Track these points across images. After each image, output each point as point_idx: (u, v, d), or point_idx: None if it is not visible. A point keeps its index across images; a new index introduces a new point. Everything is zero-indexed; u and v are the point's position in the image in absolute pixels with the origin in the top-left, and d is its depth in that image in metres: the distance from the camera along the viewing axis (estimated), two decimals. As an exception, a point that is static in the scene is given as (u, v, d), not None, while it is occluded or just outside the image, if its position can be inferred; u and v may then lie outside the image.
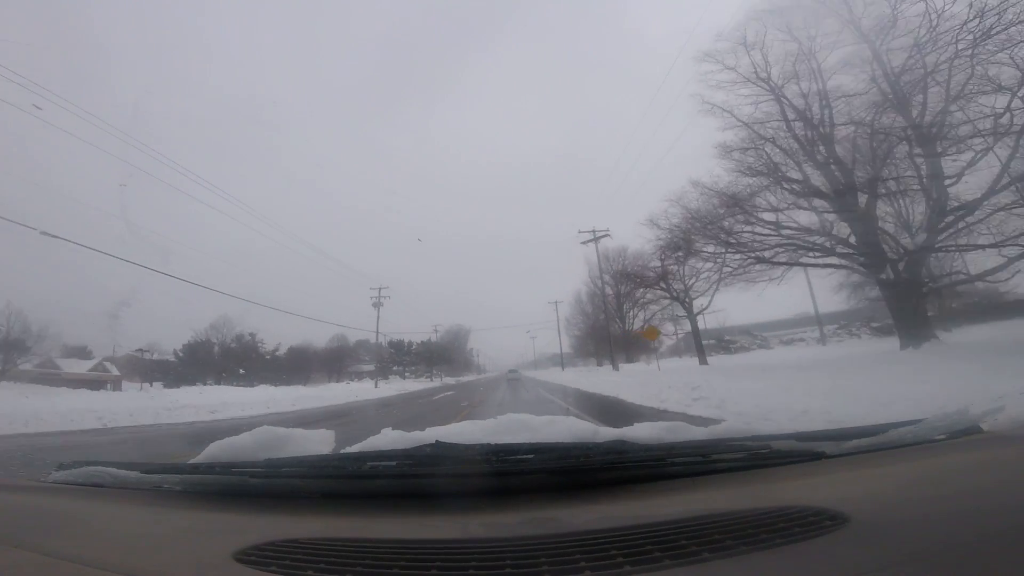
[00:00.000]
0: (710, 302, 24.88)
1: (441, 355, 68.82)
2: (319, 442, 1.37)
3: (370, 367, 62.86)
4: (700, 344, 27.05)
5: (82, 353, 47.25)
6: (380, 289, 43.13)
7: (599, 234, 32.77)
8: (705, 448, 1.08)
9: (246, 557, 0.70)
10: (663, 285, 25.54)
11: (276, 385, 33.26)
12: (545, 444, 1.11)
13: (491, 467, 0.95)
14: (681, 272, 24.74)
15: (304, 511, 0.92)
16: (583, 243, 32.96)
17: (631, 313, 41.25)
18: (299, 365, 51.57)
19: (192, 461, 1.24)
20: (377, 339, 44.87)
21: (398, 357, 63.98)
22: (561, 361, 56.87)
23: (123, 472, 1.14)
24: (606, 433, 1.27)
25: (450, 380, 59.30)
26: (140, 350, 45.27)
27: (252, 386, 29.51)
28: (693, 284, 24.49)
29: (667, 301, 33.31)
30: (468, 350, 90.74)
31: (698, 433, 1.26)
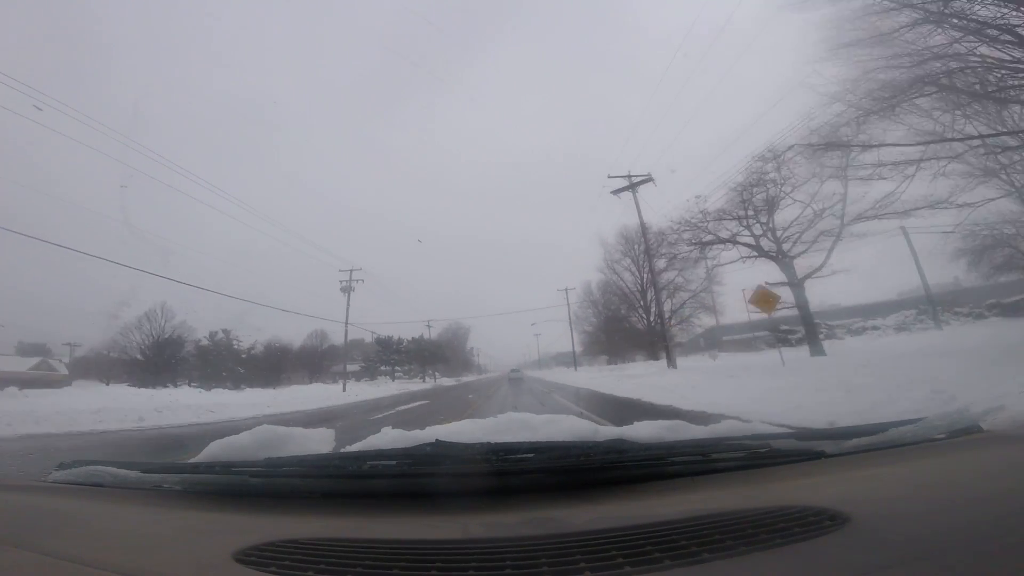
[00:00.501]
0: (828, 257, 16.11)
1: (435, 353, 61.98)
2: (319, 441, 1.37)
3: (354, 366, 56.76)
4: (812, 325, 17.94)
5: (40, 351, 43.83)
6: (352, 271, 35.12)
7: (637, 179, 22.16)
8: (705, 447, 1.08)
9: (246, 557, 0.70)
10: (746, 235, 17.57)
11: (243, 388, 30.47)
12: (545, 443, 1.11)
13: (491, 466, 0.95)
14: (766, 220, 16.89)
15: (304, 511, 0.92)
16: (615, 192, 22.98)
17: (654, 303, 33.09)
18: (275, 364, 46.62)
19: (192, 460, 1.24)
20: (346, 332, 36.42)
21: (386, 355, 56.79)
22: (574, 359, 49.60)
23: (123, 472, 1.14)
24: (606, 432, 1.27)
25: (447, 381, 54.00)
26: (70, 344, 40.85)
27: (216, 388, 27.54)
28: (794, 243, 16.46)
29: (697, 286, 27.10)
30: (468, 349, 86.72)
31: (698, 432, 1.26)
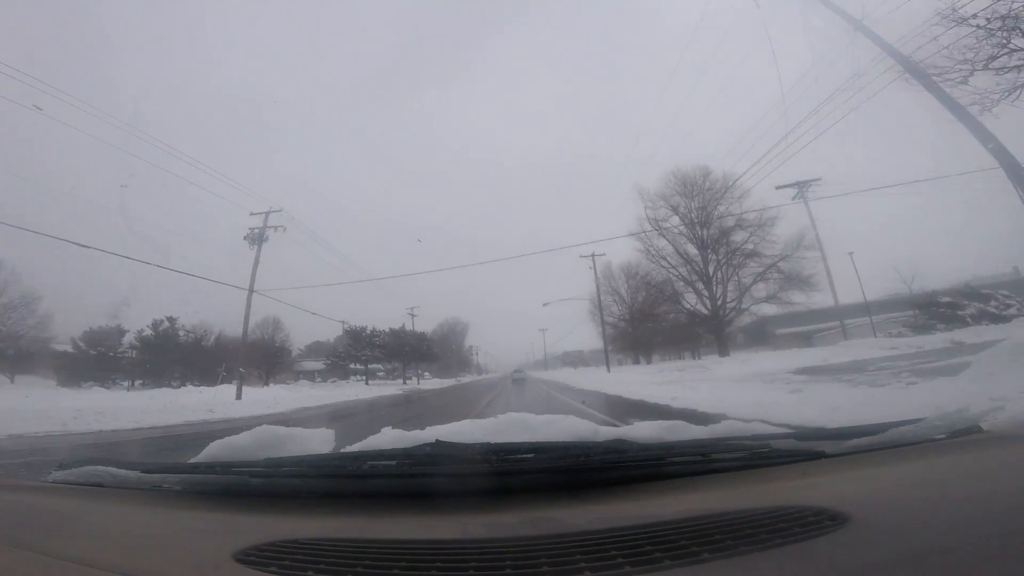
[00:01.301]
0: None
1: (418, 348, 47.77)
2: (319, 442, 1.37)
3: (318, 364, 47.61)
4: None
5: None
6: (267, 214, 22.59)
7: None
8: (705, 447, 1.08)
9: (246, 557, 0.70)
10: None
11: (184, 385, 26.16)
12: (545, 443, 1.11)
13: (491, 467, 0.95)
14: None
15: (304, 511, 0.92)
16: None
17: (715, 276, 23.58)
18: (227, 359, 35.34)
19: (192, 461, 1.24)
20: (249, 299, 21.79)
21: (355, 351, 43.88)
22: (606, 357, 34.44)
23: (123, 472, 1.15)
24: (606, 432, 1.27)
25: (437, 383, 45.43)
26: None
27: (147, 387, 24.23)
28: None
29: (780, 249, 18.32)
30: (467, 348, 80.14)
31: (698, 432, 1.26)
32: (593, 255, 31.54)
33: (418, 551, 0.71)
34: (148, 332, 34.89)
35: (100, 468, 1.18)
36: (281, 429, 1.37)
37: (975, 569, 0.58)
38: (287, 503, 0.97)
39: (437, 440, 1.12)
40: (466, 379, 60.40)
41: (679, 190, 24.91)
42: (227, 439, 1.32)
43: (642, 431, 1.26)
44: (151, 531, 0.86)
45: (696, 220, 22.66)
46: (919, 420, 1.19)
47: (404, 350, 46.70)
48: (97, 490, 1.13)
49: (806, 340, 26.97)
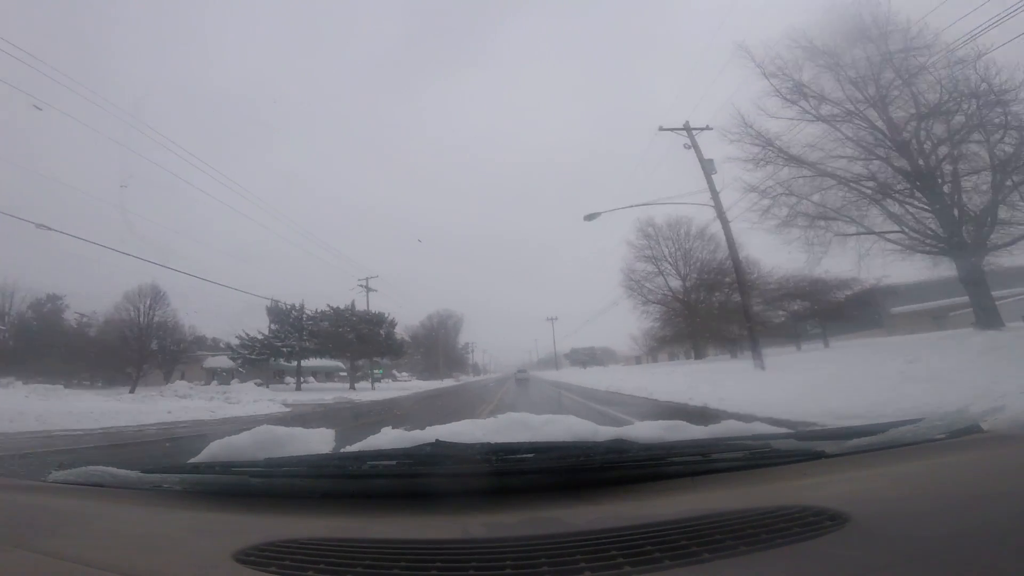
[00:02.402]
0: None
1: (371, 336, 30.60)
2: (319, 441, 1.37)
3: (221, 359, 34.10)
4: None
5: None
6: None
7: None
8: (705, 447, 1.09)
9: (246, 557, 0.70)
10: None
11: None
12: (545, 444, 1.11)
13: (491, 466, 0.95)
14: None
15: (304, 511, 0.92)
16: None
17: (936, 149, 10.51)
18: (118, 352, 26.80)
19: (192, 461, 1.24)
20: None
21: (277, 340, 28.85)
22: (752, 337, 14.81)
23: (123, 472, 1.15)
24: (606, 432, 1.27)
25: (415, 387, 33.15)
26: None
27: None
28: None
29: None
30: (462, 345, 72.07)
31: (698, 432, 1.26)
32: (688, 126, 16.09)
33: (418, 551, 0.71)
34: (30, 314, 26.43)
35: (100, 468, 1.18)
36: (281, 429, 1.37)
37: (975, 569, 0.58)
38: (287, 503, 0.97)
39: (437, 440, 1.12)
40: (460, 380, 50.44)
41: (831, 43, 12.11)
42: (227, 439, 1.32)
43: (642, 431, 1.26)
44: (151, 531, 0.86)
45: (876, 86, 11.44)
46: (919, 420, 1.19)
47: (348, 339, 28.89)
48: (97, 490, 1.13)
49: (935, 321, 18.52)
